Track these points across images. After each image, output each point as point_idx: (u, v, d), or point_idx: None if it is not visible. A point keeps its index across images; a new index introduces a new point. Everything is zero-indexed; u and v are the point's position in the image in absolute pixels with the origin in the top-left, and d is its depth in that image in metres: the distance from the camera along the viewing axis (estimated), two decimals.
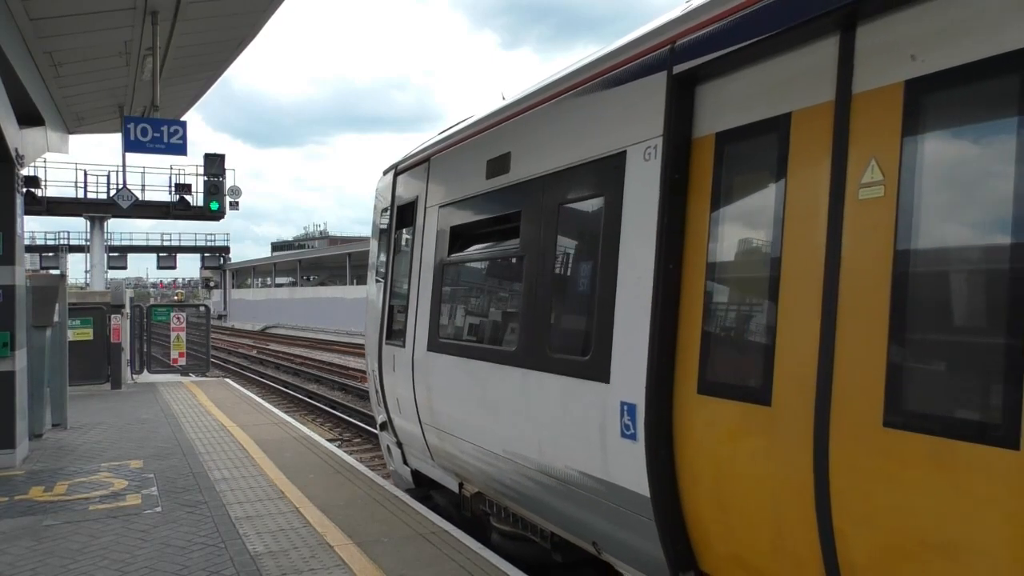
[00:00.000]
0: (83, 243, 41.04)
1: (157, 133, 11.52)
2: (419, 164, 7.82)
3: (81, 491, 7.57)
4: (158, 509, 6.90)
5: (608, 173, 4.61)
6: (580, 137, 4.99)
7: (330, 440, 12.29)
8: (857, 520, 3.08)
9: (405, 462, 8.27)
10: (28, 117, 9.92)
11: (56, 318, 11.09)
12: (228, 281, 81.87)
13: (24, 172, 9.72)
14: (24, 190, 9.54)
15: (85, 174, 32.28)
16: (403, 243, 8.17)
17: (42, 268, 45.54)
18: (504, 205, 5.95)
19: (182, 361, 18.67)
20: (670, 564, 4.11)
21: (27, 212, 9.94)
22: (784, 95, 3.57)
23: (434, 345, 6.81)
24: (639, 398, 4.13)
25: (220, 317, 68.61)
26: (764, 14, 3.51)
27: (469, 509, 6.80)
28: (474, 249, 6.59)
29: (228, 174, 29.68)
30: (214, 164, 28.54)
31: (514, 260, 5.84)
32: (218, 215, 30.69)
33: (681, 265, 4.11)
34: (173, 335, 18.69)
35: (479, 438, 6.08)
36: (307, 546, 5.85)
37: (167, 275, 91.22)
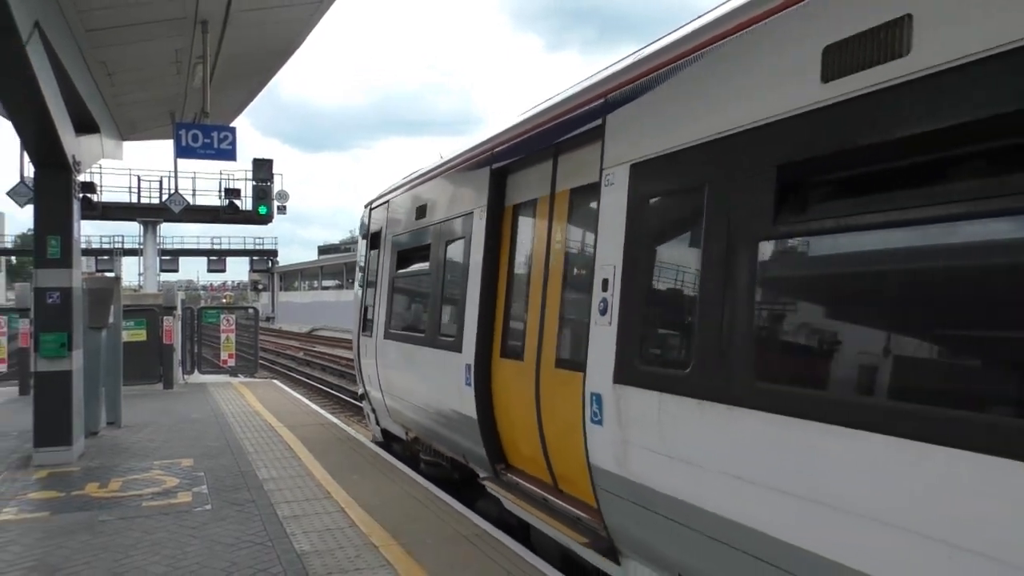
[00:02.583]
0: (137, 246, 42.12)
1: (207, 139, 11.74)
2: (383, 203, 10.58)
3: (134, 488, 7.77)
4: (208, 507, 7.05)
5: (466, 224, 7.30)
6: (455, 199, 7.88)
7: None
8: (547, 412, 5.82)
9: (377, 423, 11.04)
10: (84, 125, 10.20)
11: (111, 319, 11.38)
12: (276, 284, 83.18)
13: (80, 178, 10.01)
14: (80, 195, 9.81)
15: (139, 179, 33.19)
16: (372, 260, 10.97)
17: (97, 271, 46.81)
18: (424, 239, 8.63)
19: (231, 362, 19.00)
20: (490, 460, 6.81)
21: (83, 217, 10.22)
22: (536, 187, 6.36)
23: (387, 334, 9.65)
24: (472, 361, 6.79)
25: (268, 319, 69.72)
26: (525, 143, 6.36)
27: (409, 450, 9.58)
28: (409, 268, 9.37)
29: (276, 179, 30.11)
30: (262, 169, 29.03)
31: (425, 276, 8.55)
32: (266, 219, 31.22)
33: (495, 283, 6.81)
34: (223, 337, 19.03)
35: (411, 396, 8.82)
36: (352, 546, 5.92)
37: (217, 278, 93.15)
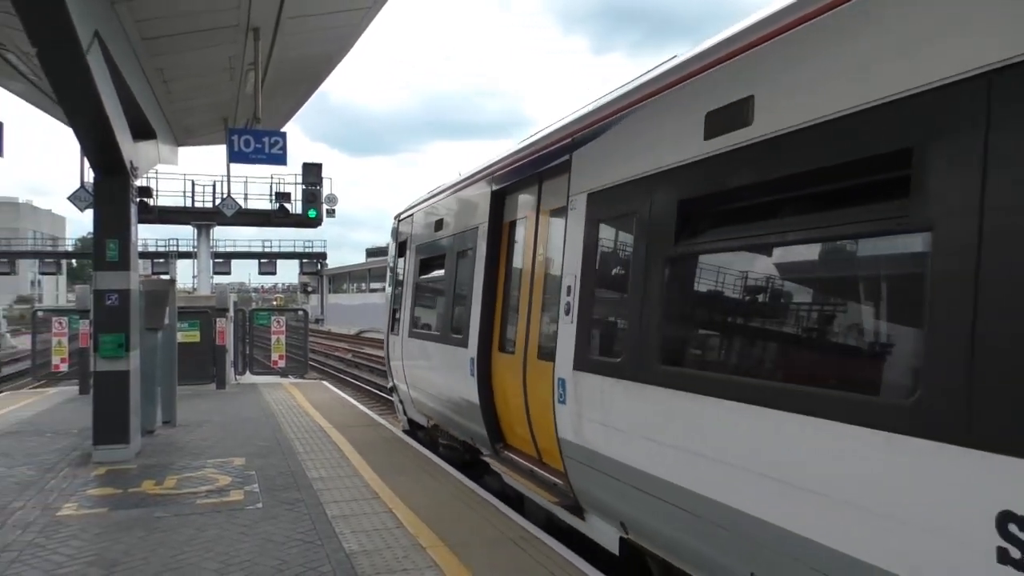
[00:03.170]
0: (191, 249, 43.12)
1: (259, 144, 11.98)
2: (408, 216, 11.83)
3: (188, 486, 7.95)
4: (259, 505, 7.18)
5: (473, 236, 8.48)
6: (464, 214, 9.09)
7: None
8: (532, 396, 6.84)
9: (404, 413, 12.25)
10: (141, 131, 10.47)
11: (166, 321, 11.65)
12: (325, 286, 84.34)
13: (137, 183, 10.27)
14: (138, 200, 10.06)
15: (193, 184, 33.94)
16: (399, 267, 12.26)
17: (153, 273, 48.01)
18: (440, 248, 9.90)
19: (281, 363, 19.28)
20: (491, 440, 7.88)
21: (140, 220, 10.49)
22: (525, 207, 7.52)
23: (410, 333, 10.89)
24: (475, 355, 7.97)
25: (317, 321, 70.70)
26: (517, 170, 7.44)
27: (430, 436, 10.68)
28: (428, 274, 10.64)
29: (325, 182, 30.51)
30: (311, 173, 29.46)
31: (441, 282, 9.75)
32: (315, 222, 31.65)
33: (495, 287, 7.98)
34: (273, 338, 19.33)
35: (430, 387, 10.00)
36: (400, 546, 5.97)
37: (267, 280, 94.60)
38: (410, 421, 11.86)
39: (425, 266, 10.76)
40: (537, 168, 6.95)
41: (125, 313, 9.30)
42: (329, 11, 10.47)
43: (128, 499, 7.46)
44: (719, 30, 4.79)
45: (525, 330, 7.19)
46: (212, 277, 38.68)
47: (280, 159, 12.22)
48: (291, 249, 58.95)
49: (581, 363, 5.68)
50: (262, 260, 56.66)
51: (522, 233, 7.60)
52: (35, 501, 7.33)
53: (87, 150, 9.23)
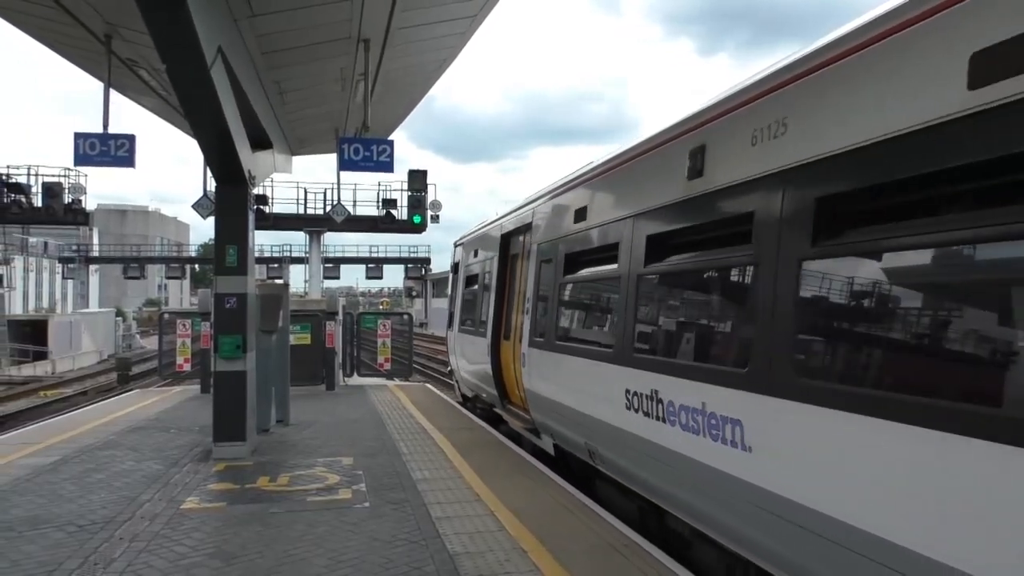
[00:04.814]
0: (303, 255, 44.75)
1: (368, 152, 12.24)
2: (460, 244, 15.94)
3: (300, 483, 8.23)
4: (366, 504, 7.35)
5: (491, 263, 12.26)
6: (487, 248, 12.89)
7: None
8: (517, 368, 10.09)
9: (458, 389, 16.18)
10: (259, 142, 10.90)
11: (280, 323, 12.07)
12: (428, 291, 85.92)
13: (255, 191, 10.71)
14: (255, 207, 10.48)
15: (305, 192, 35.25)
16: (455, 281, 16.34)
17: (268, 278, 50.09)
18: (474, 270, 14.05)
19: (387, 366, 19.63)
20: (500, 399, 11.31)
21: (257, 227, 10.94)
22: (518, 247, 10.96)
23: (458, 329, 14.99)
24: (489, 341, 11.59)
25: (422, 325, 72.03)
26: (512, 223, 11.34)
27: (471, 403, 14.84)
28: (468, 287, 14.56)
29: (429, 189, 31.13)
30: (417, 180, 30.05)
31: (473, 292, 13.90)
32: (420, 228, 32.33)
33: (503, 297, 11.50)
34: (379, 341, 19.73)
35: (468, 368, 13.96)
36: (502, 549, 5.99)
37: (374, 284, 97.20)
38: (462, 395, 15.86)
39: (467, 281, 14.82)
40: (524, 222, 10.59)
41: (242, 316, 9.68)
42: (436, 20, 10.67)
43: (245, 495, 7.78)
44: (834, 28, 4.55)
45: (514, 324, 10.76)
46: (322, 281, 40.00)
47: (387, 166, 12.47)
48: (397, 254, 60.38)
49: (531, 342, 9.52)
50: (369, 265, 58.17)
51: (516, 263, 11.21)
52: (161, 494, 7.76)
53: (210, 160, 9.69)
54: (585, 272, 8.11)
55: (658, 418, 5.78)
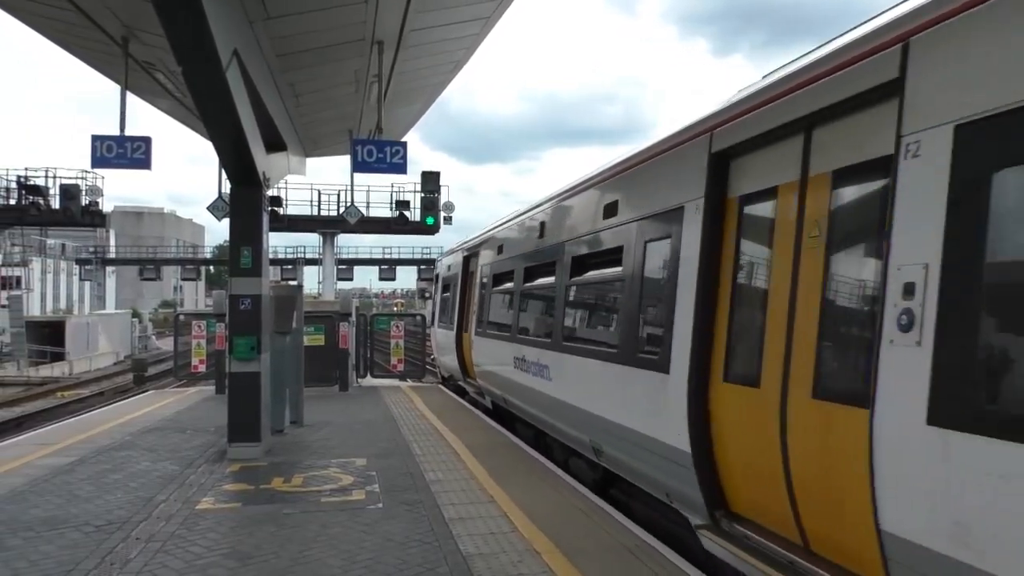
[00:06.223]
0: (317, 256, 44.94)
1: (381, 154, 12.24)
2: (440, 261, 20.44)
3: (314, 484, 8.26)
4: (380, 505, 7.37)
5: (455, 278, 16.86)
6: (453, 265, 17.49)
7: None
8: (468, 351, 15.69)
9: (440, 373, 20.08)
10: (273, 143, 10.95)
11: (294, 325, 12.11)
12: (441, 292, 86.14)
13: (269, 193, 10.76)
14: (269, 209, 10.52)
15: (319, 193, 35.43)
16: (435, 289, 20.64)
17: (282, 279, 50.28)
18: (447, 281, 18.15)
19: (400, 367, 19.69)
20: (462, 374, 15.95)
21: (271, 229, 10.99)
22: (473, 267, 15.93)
23: (436, 325, 19.34)
24: (455, 333, 16.12)
25: None
26: (467, 250, 17.17)
27: (446, 382, 18.83)
28: (444, 293, 18.56)
29: (442, 190, 31.18)
30: (430, 181, 30.12)
31: (446, 296, 18.15)
32: (433, 229, 32.39)
33: (466, 298, 15.84)
34: (392, 342, 19.79)
35: (442, 354, 18.64)
36: (515, 551, 5.98)
37: (387, 286, 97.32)
38: (442, 376, 19.93)
39: (443, 289, 19.03)
40: (470, 250, 15.61)
41: (257, 317, 9.71)
42: (450, 22, 10.69)
43: (259, 495, 7.82)
44: (849, 27, 4.61)
45: (468, 317, 14.66)
46: (336, 283, 40.15)
47: (401, 168, 12.48)
48: (410, 256, 60.51)
49: (474, 330, 13.97)
50: (382, 266, 58.32)
51: (471, 278, 15.37)
52: (177, 495, 7.80)
53: (224, 162, 9.73)
54: (498, 287, 12.82)
55: (525, 371, 10.47)
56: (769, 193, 5.10)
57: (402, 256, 60.30)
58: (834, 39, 4.82)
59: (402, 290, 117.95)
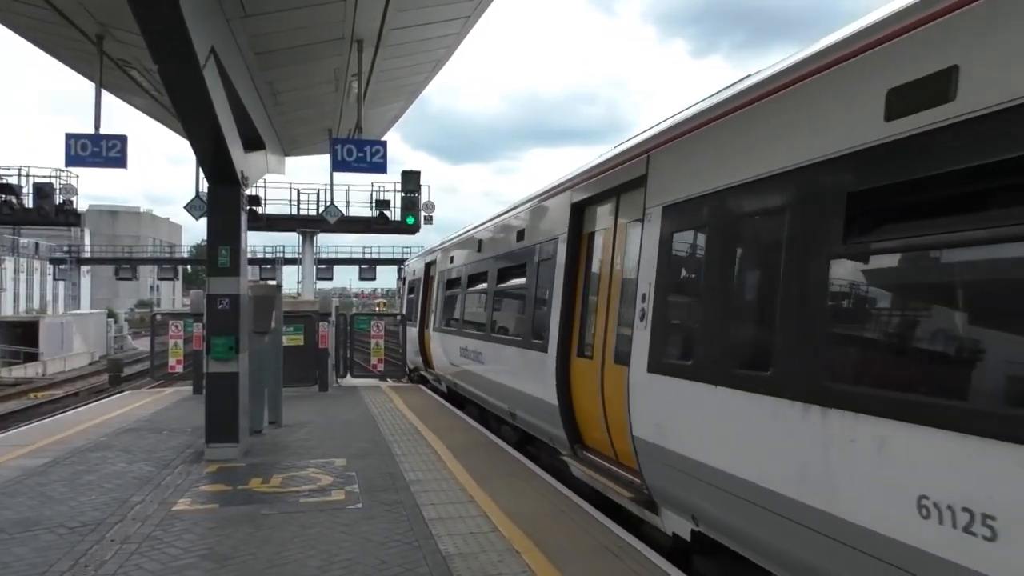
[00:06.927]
0: (296, 256, 44.68)
1: (361, 153, 12.19)
2: (406, 266, 26.47)
3: (293, 484, 8.21)
4: (359, 505, 7.34)
5: (418, 281, 20.51)
6: (417, 271, 21.39)
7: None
8: (428, 344, 18.64)
9: (407, 365, 20.32)
10: (252, 142, 10.86)
11: (273, 325, 12.04)
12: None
13: (247, 192, 10.68)
14: (247, 208, 10.45)
15: (298, 193, 35.28)
16: (402, 291, 26.35)
17: (261, 279, 49.94)
18: (412, 284, 22.20)
19: (381, 367, 19.65)
20: (425, 365, 18.81)
21: (249, 228, 10.92)
22: (432, 272, 19.09)
23: (407, 323, 20.33)
24: (418, 328, 19.15)
25: None
26: (425, 267, 20.55)
27: (410, 374, 20.42)
28: (410, 294, 22.23)
29: (423, 190, 31.15)
30: (410, 181, 30.10)
31: (412, 297, 21.59)
32: (414, 229, 32.32)
33: (428, 298, 18.70)
34: (372, 342, 19.71)
35: (409, 348, 19.85)
36: (495, 551, 5.98)
37: (368, 286, 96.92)
38: (408, 368, 20.50)
39: (409, 291, 22.57)
40: (428, 262, 18.54)
41: (235, 317, 9.64)
42: (430, 21, 10.67)
43: (237, 496, 7.76)
44: (829, 31, 4.69)
45: (428, 316, 17.43)
46: (316, 282, 39.94)
47: (381, 167, 12.43)
48: (390, 255, 60.21)
49: (434, 327, 16.53)
50: (362, 266, 58.00)
51: (431, 282, 18.23)
52: (153, 496, 7.72)
53: (202, 161, 9.66)
54: (450, 290, 15.44)
55: (467, 358, 13.06)
56: (602, 232, 7.85)
57: (382, 256, 59.89)
58: (623, 142, 7.70)
59: (382, 290, 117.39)
